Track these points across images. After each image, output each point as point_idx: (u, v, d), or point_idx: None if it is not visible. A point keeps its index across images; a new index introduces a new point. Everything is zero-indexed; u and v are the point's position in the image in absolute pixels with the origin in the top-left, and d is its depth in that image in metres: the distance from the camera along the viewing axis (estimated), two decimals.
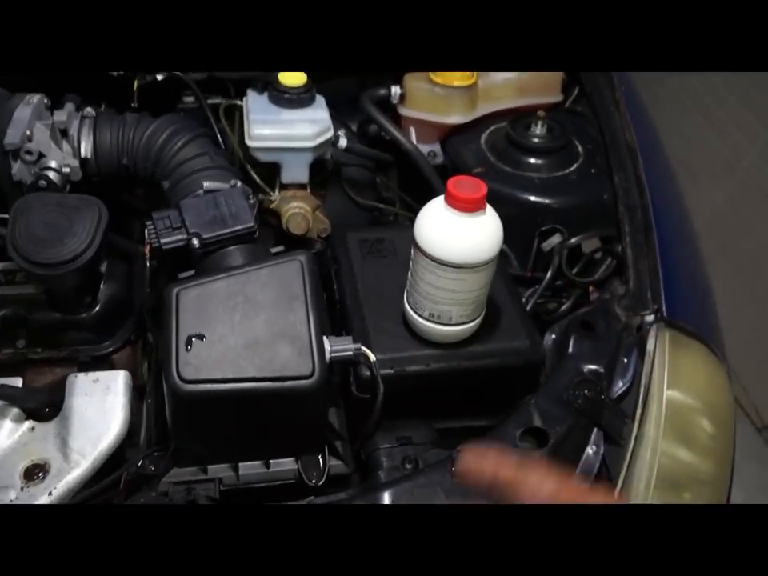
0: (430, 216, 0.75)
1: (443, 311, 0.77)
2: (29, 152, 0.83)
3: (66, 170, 0.84)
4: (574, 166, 1.00)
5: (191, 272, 0.79)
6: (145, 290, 0.79)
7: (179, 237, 0.76)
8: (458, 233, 0.73)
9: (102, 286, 0.84)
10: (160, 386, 0.81)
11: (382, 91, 1.04)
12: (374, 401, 0.76)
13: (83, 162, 0.86)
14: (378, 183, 1.06)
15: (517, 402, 0.83)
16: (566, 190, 0.97)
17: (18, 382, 0.80)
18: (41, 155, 0.84)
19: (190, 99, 1.02)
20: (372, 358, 0.77)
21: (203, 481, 0.74)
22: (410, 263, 0.78)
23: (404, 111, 1.06)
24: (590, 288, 0.96)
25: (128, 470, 0.76)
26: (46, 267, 0.75)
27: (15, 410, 0.78)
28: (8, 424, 0.78)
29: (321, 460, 0.76)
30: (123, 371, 0.83)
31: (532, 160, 1.00)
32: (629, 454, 0.77)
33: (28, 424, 0.79)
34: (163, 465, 0.74)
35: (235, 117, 0.98)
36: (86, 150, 0.85)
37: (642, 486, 0.75)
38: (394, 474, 0.75)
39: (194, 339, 0.70)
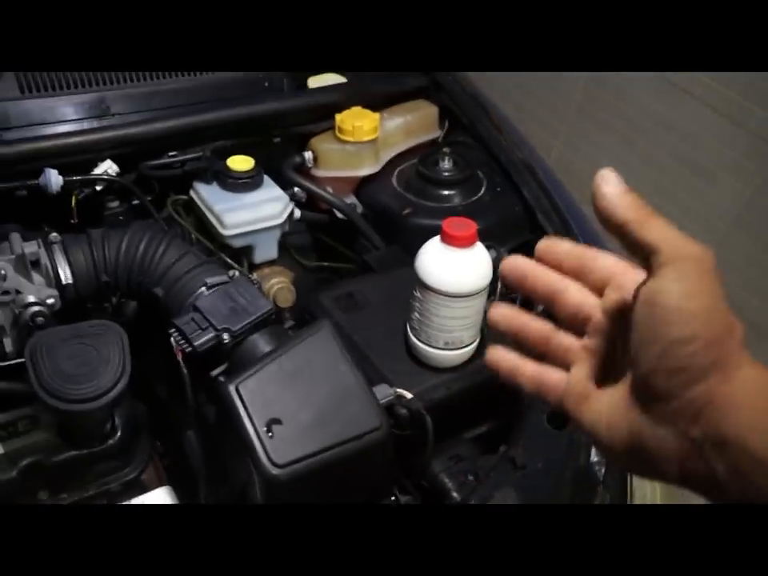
0: (435, 258, 0.84)
1: (456, 337, 0.87)
2: (6, 292, 0.78)
3: (51, 300, 0.81)
4: (483, 190, 1.15)
5: (222, 367, 0.81)
6: (189, 398, 0.78)
7: (210, 336, 0.78)
8: (464, 267, 0.83)
9: (118, 409, 0.82)
10: (219, 485, 0.82)
11: (297, 158, 1.11)
12: (425, 433, 0.84)
13: (63, 288, 0.83)
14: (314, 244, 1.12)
15: (518, 396, 0.96)
16: (485, 212, 1.11)
17: None
18: (17, 292, 0.80)
19: (114, 204, 1.00)
20: (409, 396, 0.84)
21: None
22: (414, 303, 0.87)
23: (319, 173, 1.13)
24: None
25: None
26: (86, 402, 0.72)
27: None
28: None
29: (396, 500, 0.82)
30: (165, 486, 0.81)
31: (446, 192, 1.13)
32: None
33: None
34: None
35: (179, 210, 0.99)
36: (65, 275, 0.82)
37: None
38: (464, 489, 0.83)
39: (272, 425, 0.73)
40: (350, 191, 1.17)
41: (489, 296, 1.08)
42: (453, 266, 0.83)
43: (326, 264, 1.12)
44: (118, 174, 0.94)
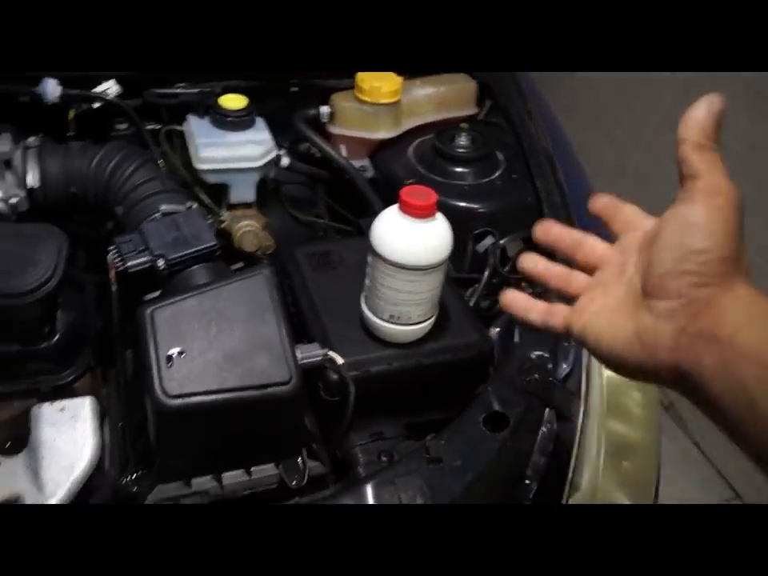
0: (386, 224, 0.80)
1: (403, 312, 0.83)
2: None
3: (14, 200, 0.84)
4: (498, 173, 1.08)
5: (157, 293, 0.81)
6: (114, 315, 0.79)
7: (144, 259, 0.78)
8: (414, 237, 0.78)
9: (59, 314, 0.84)
10: (134, 407, 0.82)
11: (312, 111, 1.09)
12: (346, 402, 0.80)
13: (30, 191, 0.86)
14: (316, 198, 1.10)
15: (471, 392, 0.90)
16: (493, 195, 1.06)
17: None
18: None
19: (123, 126, 1.02)
20: (340, 361, 0.81)
21: (189, 495, 0.76)
22: (367, 270, 0.83)
23: (334, 129, 1.11)
24: (522, 284, 1.04)
25: (102, 496, 0.77)
26: (9, 297, 0.75)
27: None
28: None
29: (300, 462, 0.80)
30: (89, 397, 0.82)
31: (458, 169, 1.08)
32: (579, 427, 0.85)
33: None
34: (148, 482, 0.75)
35: (174, 141, 1.00)
36: (32, 179, 0.85)
37: (594, 453, 0.84)
38: (372, 467, 0.80)
39: (174, 356, 0.72)
40: (365, 153, 1.14)
41: (472, 284, 1.03)
42: (404, 235, 0.78)
43: (320, 221, 1.10)
44: (120, 96, 0.96)
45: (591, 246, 0.55)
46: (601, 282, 0.53)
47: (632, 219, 0.53)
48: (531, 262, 0.57)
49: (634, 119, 1.78)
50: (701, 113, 0.47)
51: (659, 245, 0.47)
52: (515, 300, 0.57)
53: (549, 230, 0.57)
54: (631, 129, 1.80)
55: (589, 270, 0.54)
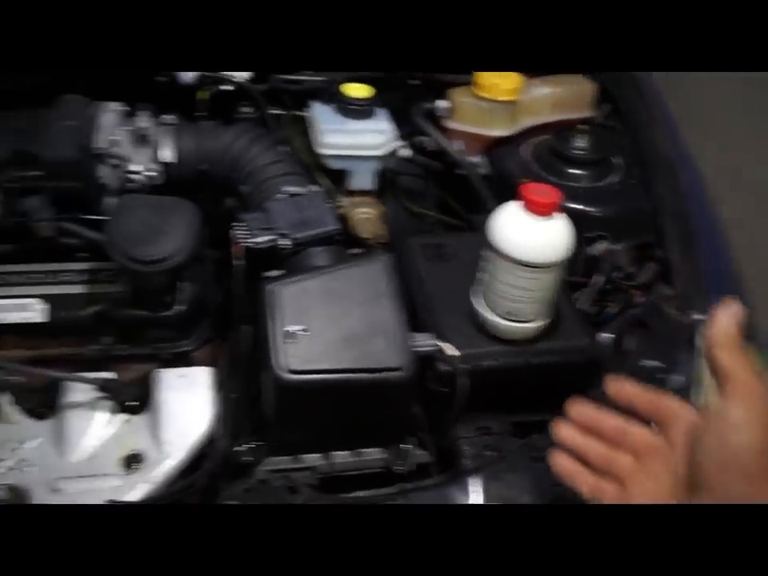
0: (507, 219, 0.80)
1: (518, 309, 0.83)
2: (115, 156, 0.86)
3: (151, 173, 0.88)
4: (614, 177, 1.07)
5: (278, 272, 0.83)
6: (237, 289, 0.82)
7: (270, 237, 0.81)
8: (535, 234, 0.78)
9: (184, 285, 0.87)
10: (250, 380, 0.85)
11: (429, 105, 1.10)
12: (455, 394, 0.81)
13: (165, 166, 0.90)
14: (428, 192, 1.12)
15: (579, 396, 0.89)
16: (609, 200, 1.04)
17: (112, 376, 0.83)
18: (124, 160, 0.87)
19: (247, 110, 1.05)
20: (452, 353, 0.82)
21: (298, 469, 0.78)
22: (482, 264, 0.84)
23: (450, 124, 1.12)
24: (635, 292, 1.02)
25: (214, 463, 0.79)
26: (142, 264, 0.78)
27: (111, 403, 0.81)
28: (105, 415, 0.80)
29: (407, 449, 0.81)
30: (207, 368, 0.86)
31: (575, 171, 1.06)
32: None
33: (122, 416, 0.81)
34: (261, 453, 0.78)
35: (296, 126, 1.03)
36: (168, 155, 0.89)
37: None
38: (477, 460, 0.80)
39: (295, 333, 0.74)
40: (480, 150, 1.14)
41: (581, 288, 1.02)
42: (525, 231, 0.78)
43: (431, 213, 1.10)
44: (251, 81, 0.99)
45: (639, 435, 0.58)
46: (649, 470, 0.56)
47: (674, 411, 0.58)
48: (569, 437, 0.62)
49: (751, 124, 1.71)
50: (724, 321, 0.54)
51: (703, 444, 0.52)
52: (564, 466, 0.61)
53: (583, 413, 0.63)
54: (747, 135, 1.73)
55: (634, 454, 0.58)
